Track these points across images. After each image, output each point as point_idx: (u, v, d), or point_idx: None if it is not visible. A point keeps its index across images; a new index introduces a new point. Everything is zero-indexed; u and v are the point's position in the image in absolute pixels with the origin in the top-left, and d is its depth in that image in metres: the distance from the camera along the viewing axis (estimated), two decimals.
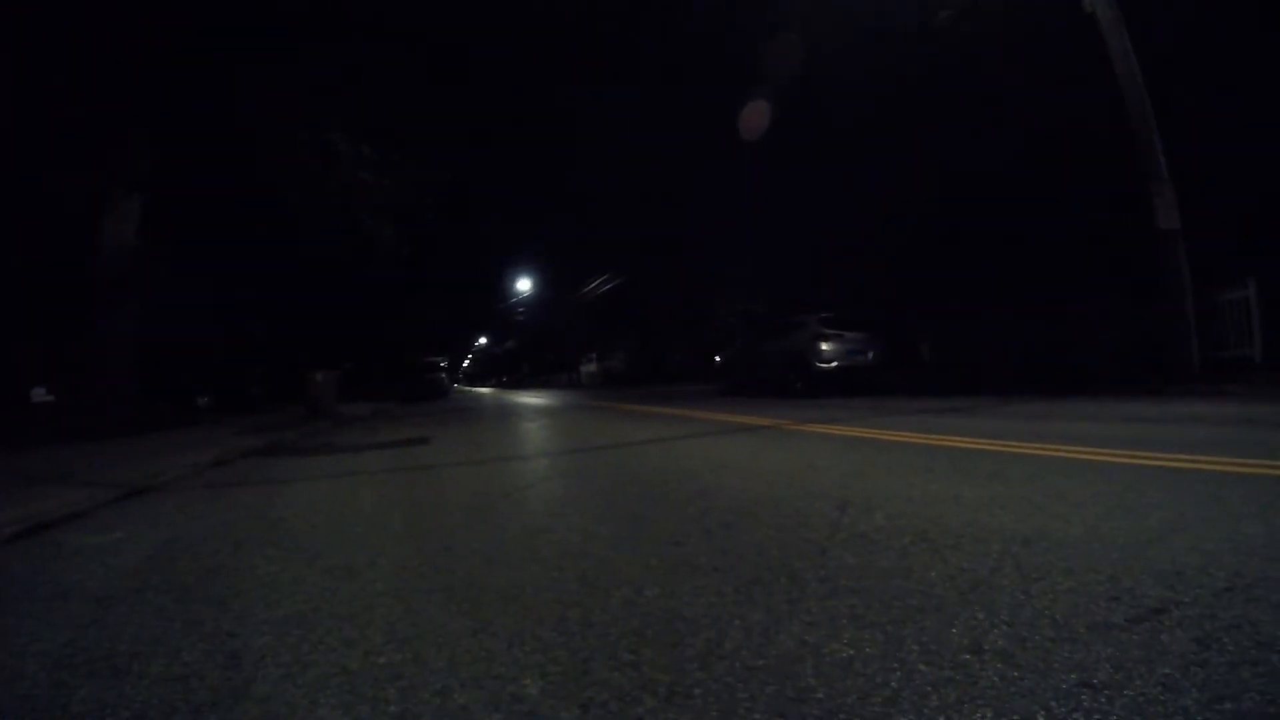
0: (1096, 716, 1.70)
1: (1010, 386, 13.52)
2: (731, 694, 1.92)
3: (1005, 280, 19.50)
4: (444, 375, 47.62)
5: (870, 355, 17.56)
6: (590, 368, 57.00)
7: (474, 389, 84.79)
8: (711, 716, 1.82)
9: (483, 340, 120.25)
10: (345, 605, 2.88)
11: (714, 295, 39.87)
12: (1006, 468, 5.14)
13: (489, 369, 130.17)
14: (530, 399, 31.14)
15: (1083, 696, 1.79)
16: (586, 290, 60.03)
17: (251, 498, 6.08)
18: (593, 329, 59.95)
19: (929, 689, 1.88)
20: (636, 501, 4.75)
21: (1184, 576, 2.59)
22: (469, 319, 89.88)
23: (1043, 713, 1.73)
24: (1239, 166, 14.26)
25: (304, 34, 17.58)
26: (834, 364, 17.07)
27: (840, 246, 27.26)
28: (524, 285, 79.57)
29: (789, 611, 2.50)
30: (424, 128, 22.97)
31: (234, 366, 29.22)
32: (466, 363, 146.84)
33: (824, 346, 17.21)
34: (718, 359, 25.82)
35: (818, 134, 26.16)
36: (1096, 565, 2.79)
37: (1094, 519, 3.51)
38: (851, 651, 2.14)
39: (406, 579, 3.22)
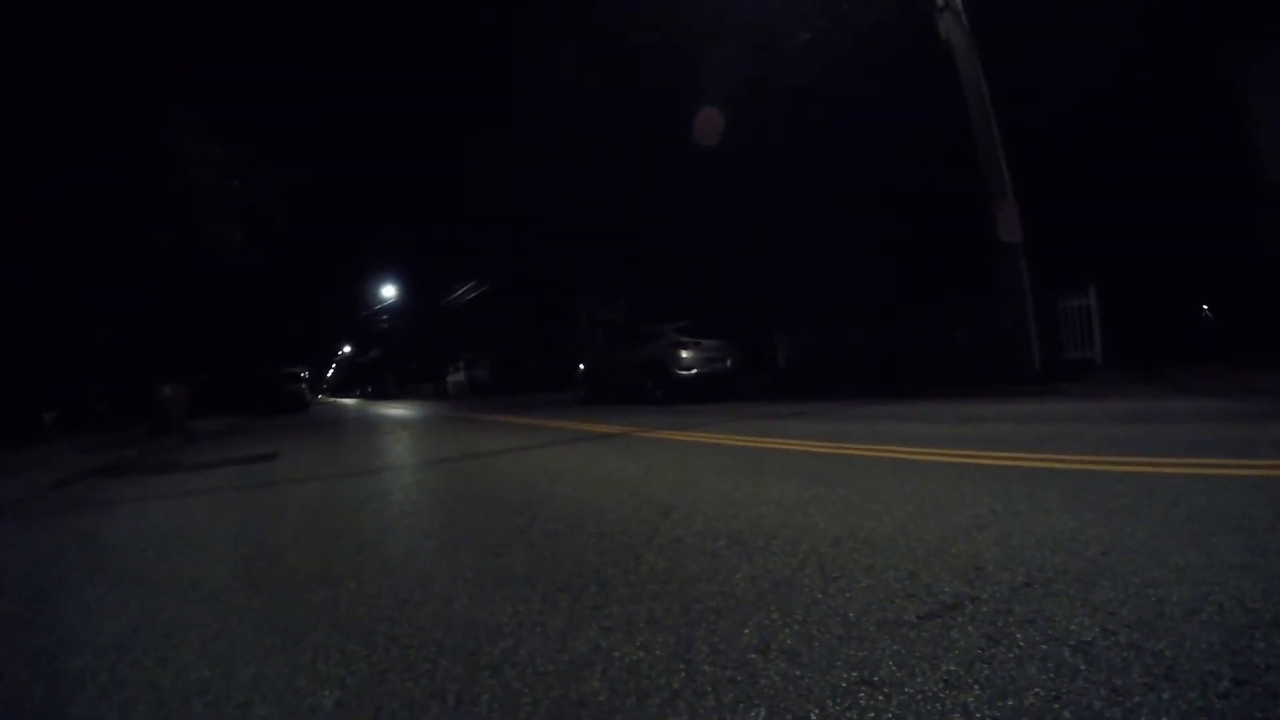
0: (871, 714, 1.65)
1: (861, 390, 13.88)
2: (516, 699, 1.92)
3: (864, 288, 20.08)
4: (304, 387, 46.01)
5: (728, 362, 17.74)
6: (456, 377, 55.53)
7: (337, 400, 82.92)
8: None
9: (346, 349, 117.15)
10: (165, 626, 2.84)
11: (578, 303, 39.96)
12: (833, 469, 5.18)
13: (353, 379, 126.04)
14: (392, 410, 30.68)
15: (860, 694, 1.75)
16: (452, 298, 59.29)
17: (87, 521, 5.79)
18: (459, 338, 59.12)
19: (709, 689, 1.85)
20: (468, 513, 4.65)
21: (984, 572, 2.56)
22: (332, 327, 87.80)
23: (817, 710, 1.70)
24: (1084, 184, 15.20)
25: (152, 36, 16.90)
26: (692, 371, 17.17)
27: (699, 256, 27.64)
28: (388, 292, 77.64)
29: (590, 617, 2.46)
30: (284, 129, 22.43)
31: (81, 382, 27.70)
32: (330, 373, 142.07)
33: (682, 354, 17.30)
34: (580, 367, 25.80)
35: (683, 144, 26.50)
36: (899, 563, 2.76)
37: (904, 517, 3.52)
38: (642, 654, 2.10)
39: (227, 598, 3.15)
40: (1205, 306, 16.39)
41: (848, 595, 2.44)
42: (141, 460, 11.70)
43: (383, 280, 76.18)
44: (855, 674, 1.85)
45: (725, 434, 8.42)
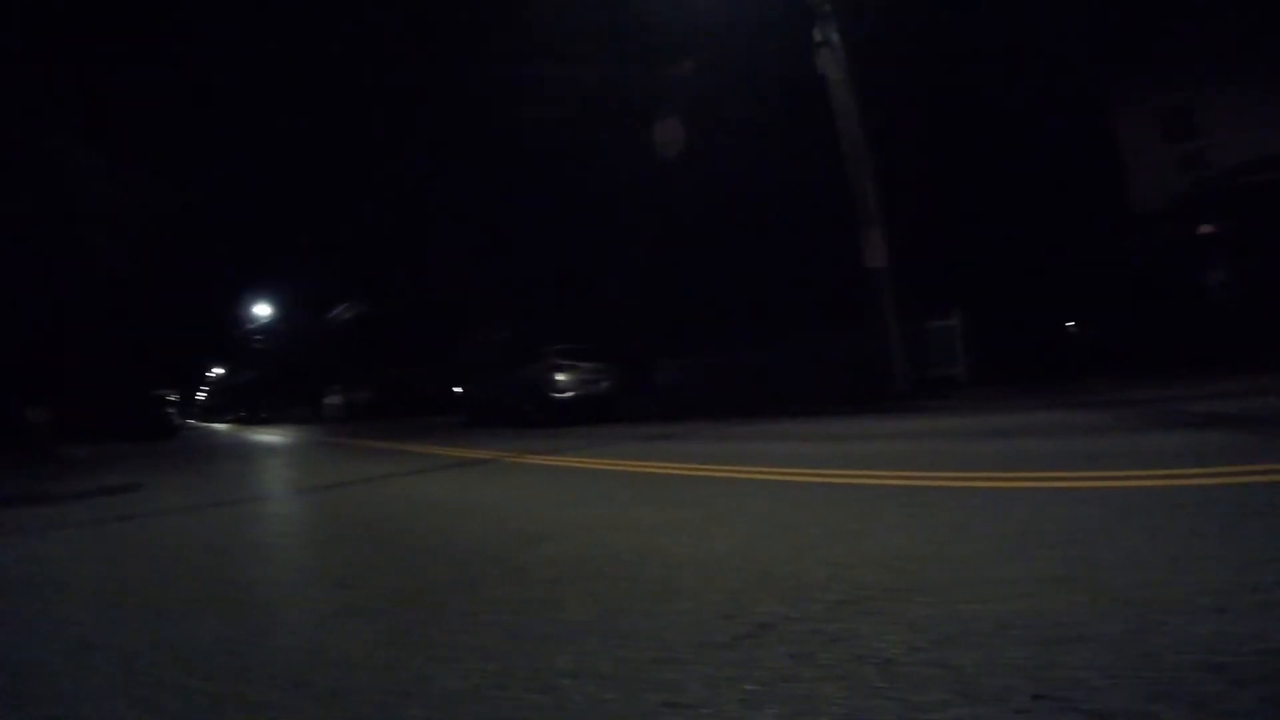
0: None
1: (736, 411, 14.06)
2: None
3: (740, 312, 20.45)
4: (173, 410, 44.24)
5: (605, 385, 17.94)
6: (333, 400, 53.87)
7: (209, 425, 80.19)
8: None
9: (219, 371, 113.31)
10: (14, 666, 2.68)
11: (463, 325, 39.63)
12: (694, 491, 5.25)
13: (226, 402, 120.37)
14: (265, 436, 29.89)
15: (663, 716, 1.75)
16: (331, 316, 57.97)
17: None
18: (338, 359, 57.63)
19: (525, 714, 1.84)
20: (329, 546, 4.70)
21: (804, 591, 2.56)
22: (204, 347, 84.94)
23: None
24: (956, 211, 15.96)
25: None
26: (570, 394, 17.30)
27: (581, 282, 27.87)
28: (264, 311, 75.15)
29: (421, 647, 2.43)
30: (170, 142, 21.79)
31: None
32: (202, 395, 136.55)
33: (559, 377, 17.42)
34: (459, 390, 25.57)
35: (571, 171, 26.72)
36: (728, 584, 2.76)
37: (743, 538, 3.57)
38: (463, 683, 2.06)
39: (61, 644, 2.93)
40: (1070, 323, 17.25)
41: (670, 618, 2.43)
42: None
43: (260, 298, 73.82)
44: (661, 696, 1.85)
45: (596, 458, 8.43)
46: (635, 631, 2.33)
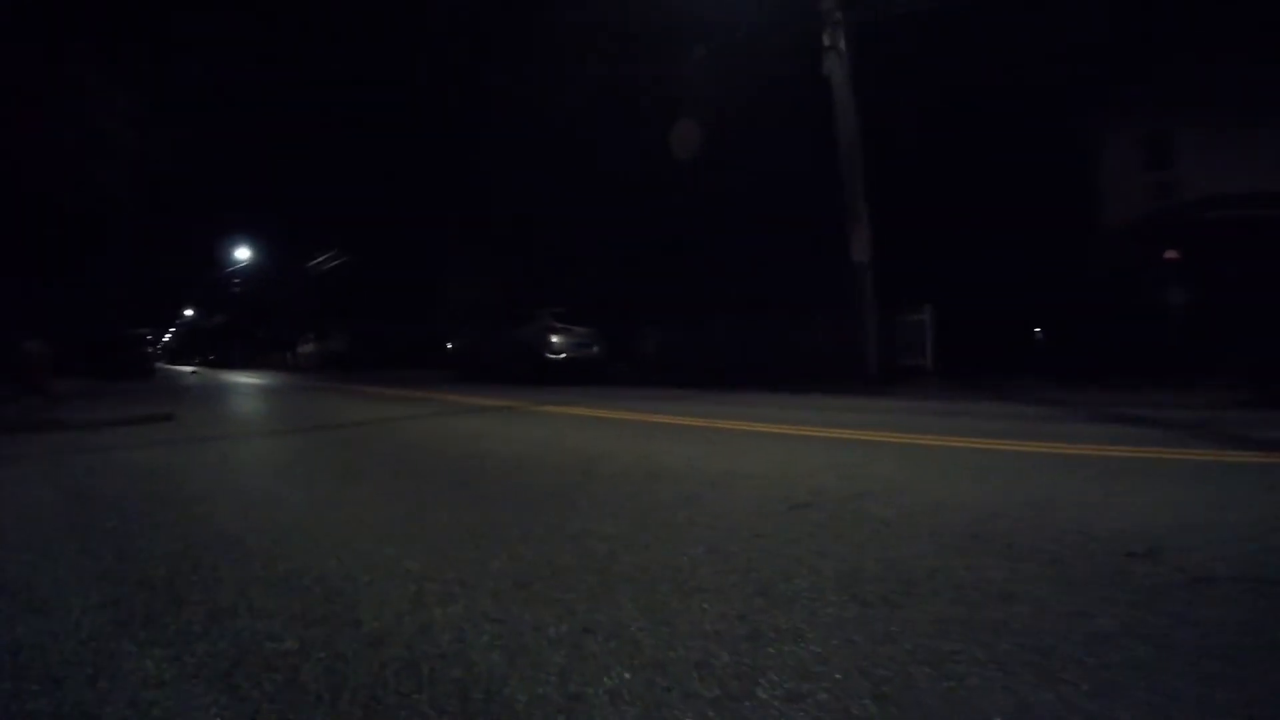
0: (758, 553, 2.85)
1: (719, 382, 15.03)
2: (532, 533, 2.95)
3: (725, 293, 21.44)
4: (151, 350, 43.78)
5: (596, 349, 18.97)
6: (307, 349, 52.73)
7: (175, 367, 78.12)
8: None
9: (189, 313, 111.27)
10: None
11: (447, 283, 39.99)
12: (708, 437, 6.57)
13: (193, 345, 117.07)
14: (249, 379, 30.23)
15: (754, 541, 2.96)
16: (313, 264, 57.55)
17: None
18: (315, 307, 57.14)
19: (664, 543, 2.99)
20: (423, 461, 5.71)
21: (825, 490, 3.90)
22: (175, 288, 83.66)
23: (720, 548, 2.88)
24: (935, 218, 17.32)
25: None
26: (563, 355, 18.22)
27: (575, 250, 28.52)
28: (243, 254, 73.25)
29: (566, 519, 3.53)
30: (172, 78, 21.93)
31: None
32: (167, 337, 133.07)
33: (554, 339, 18.33)
34: (449, 345, 26.22)
35: (571, 142, 27.36)
36: (770, 485, 4.09)
37: (769, 463, 4.93)
38: (612, 529, 3.22)
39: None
40: (1038, 329, 18.58)
41: (741, 499, 3.75)
42: (21, 418, 10.45)
43: (239, 241, 71.73)
44: (755, 535, 3.07)
45: (608, 410, 9.56)
46: (721, 503, 3.63)
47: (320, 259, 56.20)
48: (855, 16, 14.55)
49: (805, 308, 17.22)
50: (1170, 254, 19.78)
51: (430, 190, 38.32)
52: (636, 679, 1.73)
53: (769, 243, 20.59)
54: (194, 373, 49.00)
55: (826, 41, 14.50)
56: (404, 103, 37.95)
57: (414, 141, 38.30)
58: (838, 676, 1.72)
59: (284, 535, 3.29)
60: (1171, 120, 21.17)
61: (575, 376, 18.09)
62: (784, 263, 20.27)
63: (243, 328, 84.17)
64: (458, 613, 2.22)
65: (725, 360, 18.66)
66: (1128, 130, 21.80)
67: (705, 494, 3.86)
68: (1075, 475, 4.25)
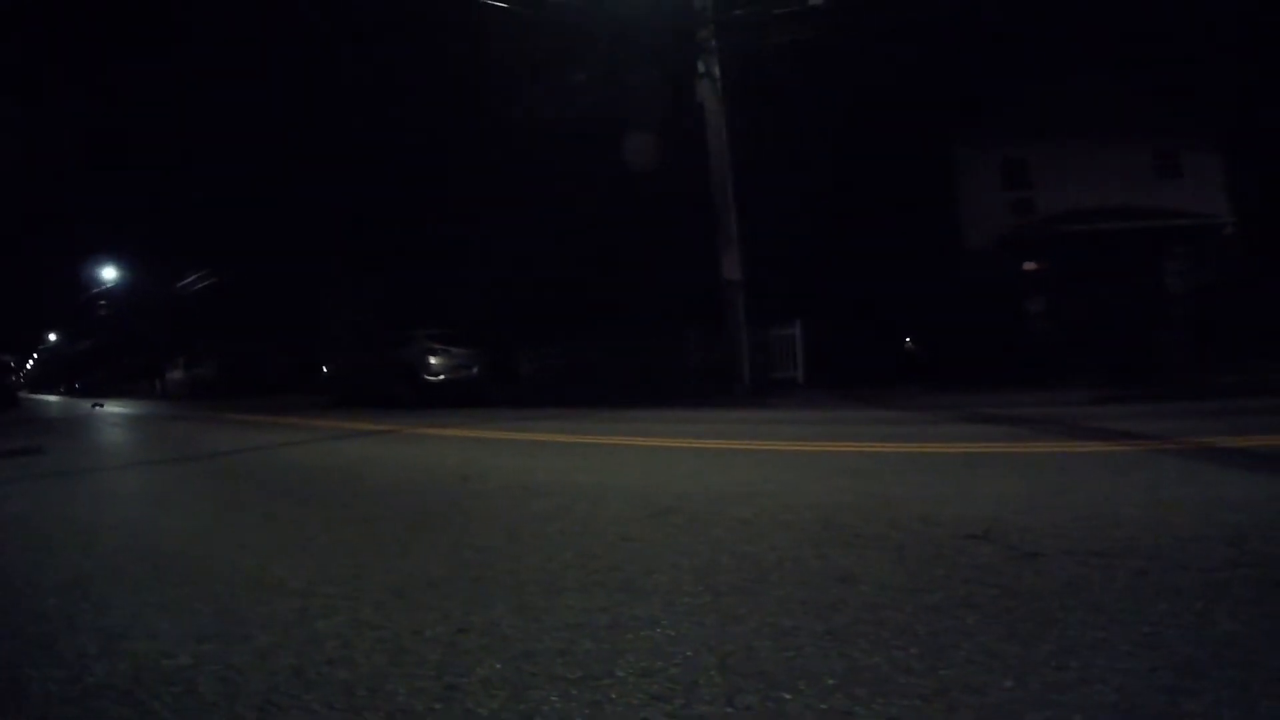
0: (627, 555, 2.97)
1: (596, 401, 15.07)
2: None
3: (604, 311, 21.65)
4: (14, 379, 41.28)
5: (474, 370, 18.79)
6: (176, 375, 50.81)
7: (37, 396, 74.26)
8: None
9: (52, 337, 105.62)
10: None
11: (323, 302, 39.04)
12: (584, 452, 6.78)
13: (56, 373, 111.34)
14: (118, 409, 28.90)
15: (622, 545, 3.08)
16: (182, 285, 55.40)
17: None
18: (184, 332, 54.87)
19: (533, 550, 3.12)
20: (302, 487, 5.69)
21: (690, 496, 4.08)
22: (46, 313, 79.73)
23: (588, 551, 3.00)
24: (805, 237, 17.93)
25: None
26: (441, 376, 18.03)
27: (453, 272, 28.40)
28: (110, 275, 69.44)
29: (446, 530, 3.70)
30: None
31: None
32: (29, 364, 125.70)
33: (432, 360, 18.11)
34: (325, 369, 25.71)
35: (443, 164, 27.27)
36: (639, 494, 4.28)
37: (639, 475, 5.22)
38: (487, 541, 3.33)
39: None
40: (908, 340, 19.30)
41: (611, 508, 3.90)
42: None
43: (105, 262, 68.09)
44: (621, 539, 3.21)
45: (487, 431, 9.58)
46: (586, 519, 3.72)
47: (190, 279, 54.23)
48: (728, 44, 14.89)
49: (681, 325, 17.51)
50: (1029, 265, 21.03)
51: (306, 209, 37.43)
52: (507, 668, 1.84)
53: (646, 262, 20.91)
54: (56, 402, 46.59)
55: (701, 69, 14.77)
56: (276, 122, 37.06)
57: (288, 159, 37.43)
58: (689, 654, 1.85)
59: (170, 562, 3.31)
60: (1026, 145, 22.56)
61: (454, 398, 17.80)
62: (661, 282, 20.59)
63: (108, 352, 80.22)
64: (342, 623, 2.29)
65: (603, 379, 18.73)
66: (989, 154, 23.11)
67: (577, 505, 3.98)
68: (929, 471, 4.55)
